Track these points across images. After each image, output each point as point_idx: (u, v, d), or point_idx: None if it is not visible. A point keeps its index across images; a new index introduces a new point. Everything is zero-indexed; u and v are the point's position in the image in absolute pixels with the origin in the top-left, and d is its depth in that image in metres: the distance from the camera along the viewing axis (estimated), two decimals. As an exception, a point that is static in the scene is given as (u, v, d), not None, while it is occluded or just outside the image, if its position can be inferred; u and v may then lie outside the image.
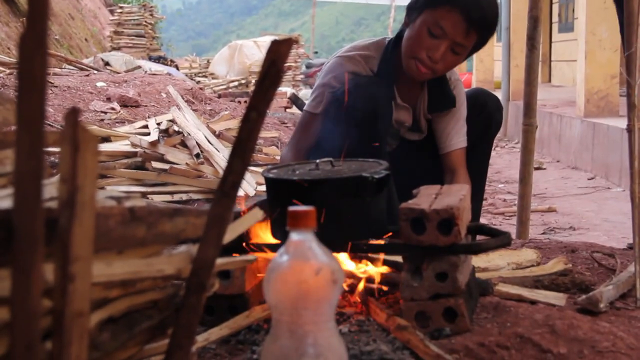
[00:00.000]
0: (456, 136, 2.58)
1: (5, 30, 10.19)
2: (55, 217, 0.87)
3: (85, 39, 15.44)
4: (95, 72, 9.30)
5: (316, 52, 24.21)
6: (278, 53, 1.02)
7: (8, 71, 7.57)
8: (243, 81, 15.32)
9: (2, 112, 1.27)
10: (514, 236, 2.79)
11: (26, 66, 0.80)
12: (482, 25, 2.39)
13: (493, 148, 2.87)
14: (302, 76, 17.66)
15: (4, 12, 10.84)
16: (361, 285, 1.80)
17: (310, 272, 1.09)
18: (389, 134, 2.50)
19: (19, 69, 0.81)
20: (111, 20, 16.24)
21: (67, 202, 0.87)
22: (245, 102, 10.04)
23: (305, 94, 10.92)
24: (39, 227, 0.82)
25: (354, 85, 2.33)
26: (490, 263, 2.17)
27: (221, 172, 4.47)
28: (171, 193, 4.41)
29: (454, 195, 1.74)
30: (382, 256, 1.83)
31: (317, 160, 1.87)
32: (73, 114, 0.87)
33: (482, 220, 3.67)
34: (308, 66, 18.46)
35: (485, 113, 2.63)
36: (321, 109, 2.47)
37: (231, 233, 1.23)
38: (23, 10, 11.73)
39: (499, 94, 8.56)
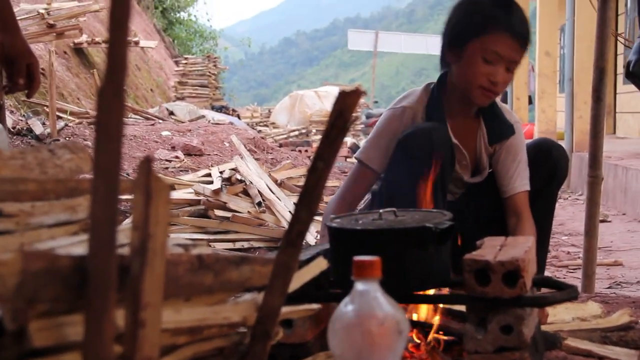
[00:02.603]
0: (519, 179, 2.54)
1: (75, 81, 10.53)
2: (127, 264, 0.89)
3: (151, 89, 15.84)
4: (160, 121, 9.52)
5: (376, 102, 24.34)
6: (345, 104, 1.04)
7: (77, 121, 7.80)
8: (304, 130, 15.47)
9: (75, 160, 1.31)
10: (579, 290, 2.72)
11: (104, 116, 0.83)
12: (527, 37, 2.43)
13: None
14: (362, 126, 17.75)
15: (74, 64, 11.21)
16: (425, 337, 1.78)
17: (375, 323, 1.09)
18: (451, 181, 2.48)
19: (97, 119, 0.84)
20: (176, 71, 16.64)
21: (139, 249, 0.89)
22: (306, 151, 10.12)
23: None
24: (112, 273, 0.84)
25: (413, 133, 2.34)
26: (556, 317, 2.13)
27: (283, 220, 4.53)
28: (233, 241, 4.44)
29: (519, 246, 1.72)
30: (445, 306, 1.81)
31: (381, 210, 1.87)
32: (147, 163, 0.89)
33: (546, 273, 3.60)
34: (368, 116, 18.56)
35: (550, 161, 2.58)
36: (379, 164, 2.47)
37: (296, 282, 1.24)
38: (92, 62, 12.11)
39: (562, 145, 8.44)
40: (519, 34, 2.37)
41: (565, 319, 2.13)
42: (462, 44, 2.40)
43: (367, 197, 2.64)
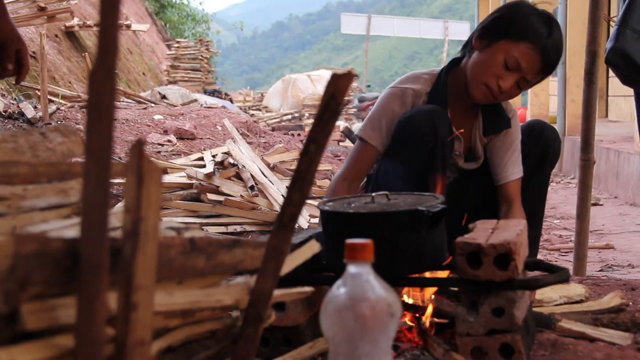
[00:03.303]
0: (512, 167, 2.56)
1: (67, 64, 10.48)
2: (119, 247, 0.89)
3: (143, 73, 15.77)
4: (153, 105, 9.49)
5: (369, 86, 24.31)
6: (337, 87, 1.04)
7: (69, 104, 7.77)
8: (296, 114, 15.46)
9: (67, 143, 1.31)
10: (570, 272, 2.73)
11: (95, 98, 0.82)
12: (552, 68, 2.44)
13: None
14: (354, 110, 17.74)
15: (66, 47, 11.15)
16: (417, 320, 1.79)
17: (367, 305, 1.09)
18: (448, 167, 2.49)
19: (89, 101, 0.83)
20: (168, 54, 16.58)
21: (131, 232, 0.88)
22: (299, 135, 10.11)
23: (358, 127, 10.95)
24: (104, 256, 0.84)
25: (414, 116, 2.34)
26: (544, 295, 2.14)
27: (275, 204, 4.53)
28: (226, 225, 4.44)
29: (511, 230, 1.72)
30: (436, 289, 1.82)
31: (373, 194, 1.88)
32: (138, 146, 0.89)
33: (538, 256, 3.61)
34: (361, 100, 18.55)
35: (542, 142, 2.60)
36: (380, 142, 2.46)
37: (289, 265, 1.24)
38: (84, 45, 12.05)
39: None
40: (548, 58, 2.39)
41: (552, 298, 2.14)
42: (495, 39, 2.41)
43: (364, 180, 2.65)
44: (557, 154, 2.64)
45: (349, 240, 1.13)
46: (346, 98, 1.08)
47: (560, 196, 7.21)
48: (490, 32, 2.43)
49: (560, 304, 2.16)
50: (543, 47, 2.36)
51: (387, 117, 2.47)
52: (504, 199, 2.56)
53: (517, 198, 2.55)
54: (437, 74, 2.55)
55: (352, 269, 1.13)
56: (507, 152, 2.57)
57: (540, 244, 4.39)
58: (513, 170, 2.56)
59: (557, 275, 1.70)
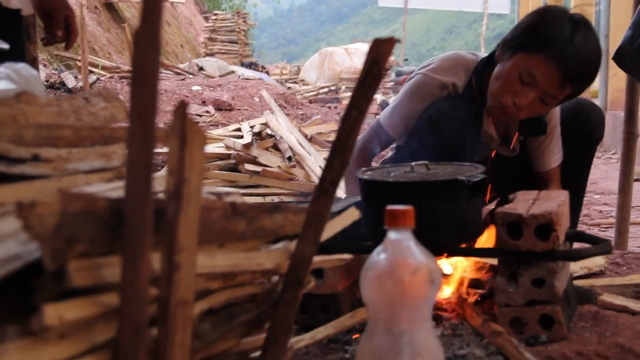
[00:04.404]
0: (550, 155, 2.50)
1: (106, 36, 10.55)
2: (163, 208, 0.90)
3: (181, 45, 15.83)
4: (191, 76, 9.53)
5: (406, 60, 24.10)
6: (380, 52, 1.03)
7: (109, 75, 7.83)
8: (333, 87, 15.42)
9: (110, 108, 1.32)
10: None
11: (140, 60, 0.82)
12: (579, 80, 2.21)
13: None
14: (392, 83, 17.64)
15: (105, 19, 11.22)
16: (457, 289, 1.78)
17: (407, 271, 1.09)
18: (476, 152, 2.42)
19: (133, 64, 0.84)
20: (205, 27, 16.61)
21: (174, 193, 0.89)
22: (336, 107, 10.09)
23: (396, 100, 10.87)
24: (148, 216, 0.84)
25: (440, 109, 2.29)
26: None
27: (313, 175, 4.53)
28: (263, 195, 4.47)
29: (552, 200, 1.70)
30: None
31: (413, 163, 1.87)
32: (181, 108, 0.89)
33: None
34: (398, 74, 18.42)
35: (588, 125, 2.53)
36: (396, 131, 2.45)
37: (328, 231, 1.24)
38: (123, 17, 12.11)
39: (596, 103, 8.32)
40: (566, 68, 2.15)
41: (573, 269, 2.13)
42: (513, 51, 2.25)
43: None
44: (602, 136, 2.59)
45: (390, 207, 1.13)
46: (388, 64, 1.07)
47: (601, 171, 7.12)
48: (510, 43, 2.28)
49: (581, 276, 2.16)
50: (560, 58, 2.14)
51: (412, 107, 2.41)
52: (542, 183, 2.52)
53: (556, 181, 2.52)
54: (476, 65, 2.44)
55: (392, 235, 1.12)
56: (544, 142, 2.50)
57: (580, 219, 4.35)
58: (552, 158, 2.51)
59: (600, 246, 1.68)
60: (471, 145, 2.32)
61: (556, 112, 2.51)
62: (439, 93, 2.40)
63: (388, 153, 2.77)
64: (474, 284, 1.81)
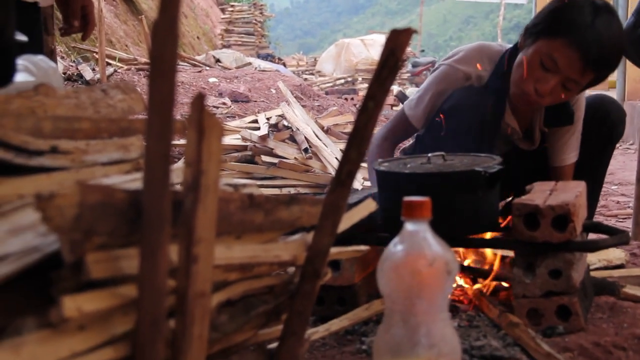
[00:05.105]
0: (569, 150, 2.49)
1: (123, 28, 10.58)
2: (180, 200, 0.90)
3: (198, 37, 15.85)
4: (207, 68, 9.54)
5: (423, 51, 24.01)
6: (397, 42, 1.02)
7: (126, 67, 7.86)
8: (350, 79, 15.39)
9: (128, 100, 1.32)
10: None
11: (158, 51, 0.83)
12: (601, 65, 2.20)
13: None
14: (408, 74, 17.58)
15: (122, 11, 11.26)
16: (473, 280, 1.78)
17: (424, 262, 1.09)
18: (495, 144, 2.41)
19: (151, 55, 0.84)
20: (222, 18, 16.64)
21: (191, 185, 0.89)
22: (352, 99, 10.08)
23: (412, 92, 10.85)
24: (166, 208, 0.85)
25: (461, 100, 2.28)
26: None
27: (329, 167, 4.53)
28: (279, 187, 4.48)
29: (570, 191, 1.70)
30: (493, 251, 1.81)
31: (429, 154, 1.86)
32: (199, 100, 0.89)
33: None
34: (414, 65, 18.34)
35: (608, 124, 2.50)
36: (419, 121, 2.45)
37: (345, 222, 1.24)
38: (140, 9, 12.14)
39: (614, 94, 8.26)
40: (587, 53, 2.14)
41: (592, 261, 2.12)
42: (534, 38, 2.25)
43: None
44: (622, 133, 2.56)
45: (407, 198, 1.13)
46: (405, 55, 1.06)
47: (619, 162, 7.07)
48: (532, 30, 2.28)
49: (600, 268, 2.15)
50: (580, 42, 2.13)
51: (435, 97, 2.42)
52: (556, 179, 2.50)
53: (570, 180, 2.50)
54: (501, 56, 2.43)
55: (409, 226, 1.12)
56: (565, 135, 2.48)
57: (597, 209, 4.33)
58: (570, 154, 2.49)
59: (617, 237, 1.67)
60: (491, 136, 2.32)
61: (582, 105, 2.49)
62: (463, 84, 2.40)
63: (409, 141, 2.77)
64: (491, 275, 1.80)
